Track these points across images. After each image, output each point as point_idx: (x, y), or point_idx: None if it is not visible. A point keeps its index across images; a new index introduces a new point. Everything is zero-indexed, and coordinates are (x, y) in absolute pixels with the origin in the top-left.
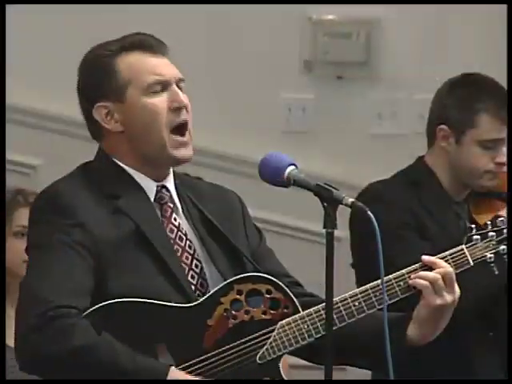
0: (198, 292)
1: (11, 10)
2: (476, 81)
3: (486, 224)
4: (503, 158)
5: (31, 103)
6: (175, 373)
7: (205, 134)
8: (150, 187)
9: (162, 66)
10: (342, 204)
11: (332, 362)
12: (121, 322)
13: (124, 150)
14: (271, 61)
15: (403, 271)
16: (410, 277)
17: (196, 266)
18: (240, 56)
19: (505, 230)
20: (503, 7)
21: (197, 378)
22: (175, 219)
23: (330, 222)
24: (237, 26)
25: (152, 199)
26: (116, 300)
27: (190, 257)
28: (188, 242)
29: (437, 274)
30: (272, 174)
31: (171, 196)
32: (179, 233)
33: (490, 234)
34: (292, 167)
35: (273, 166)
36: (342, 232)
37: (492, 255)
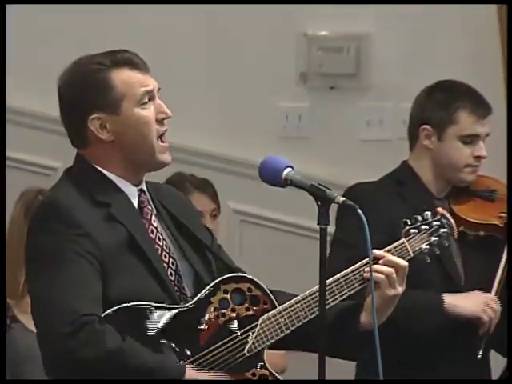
0: (176, 288)
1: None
2: (451, 85)
3: (415, 218)
4: (482, 152)
5: (52, 112)
6: (190, 371)
7: (210, 140)
8: (131, 192)
9: (147, 79)
10: (334, 202)
11: (323, 350)
12: (129, 325)
13: (110, 158)
14: (270, 72)
15: (357, 265)
16: (364, 270)
17: (172, 263)
18: (241, 68)
19: (434, 223)
20: (490, 21)
21: (207, 376)
22: (154, 221)
23: (323, 218)
24: (237, 39)
25: (136, 204)
26: (124, 305)
27: (167, 255)
28: (164, 241)
29: (391, 269)
30: (271, 176)
31: (148, 200)
32: (157, 234)
33: (423, 227)
34: (289, 169)
35: (271, 167)
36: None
37: (427, 246)
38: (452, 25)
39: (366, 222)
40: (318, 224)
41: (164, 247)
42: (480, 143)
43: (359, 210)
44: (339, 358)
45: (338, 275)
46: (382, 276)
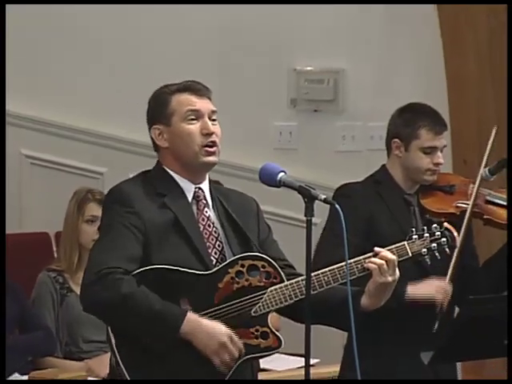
0: (217, 264)
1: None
2: (417, 107)
3: (422, 228)
4: (439, 160)
5: (100, 128)
6: (191, 315)
7: (221, 150)
8: (188, 188)
9: (198, 102)
10: (317, 199)
11: (309, 321)
12: (157, 282)
13: (170, 160)
14: (267, 98)
15: (361, 257)
16: (365, 261)
17: (218, 245)
18: (245, 94)
19: (436, 233)
20: (436, 59)
21: (206, 322)
22: (206, 212)
23: (308, 212)
24: (243, 72)
25: (190, 197)
26: (154, 266)
27: (214, 239)
28: (214, 228)
29: (382, 260)
30: (268, 178)
31: (205, 195)
32: (208, 221)
33: (425, 235)
34: (282, 173)
35: (268, 172)
36: (318, 219)
37: (426, 250)
38: (408, 63)
39: (342, 215)
40: (305, 216)
41: (213, 233)
42: (438, 153)
43: (337, 205)
44: (340, 328)
45: (343, 263)
46: (375, 266)
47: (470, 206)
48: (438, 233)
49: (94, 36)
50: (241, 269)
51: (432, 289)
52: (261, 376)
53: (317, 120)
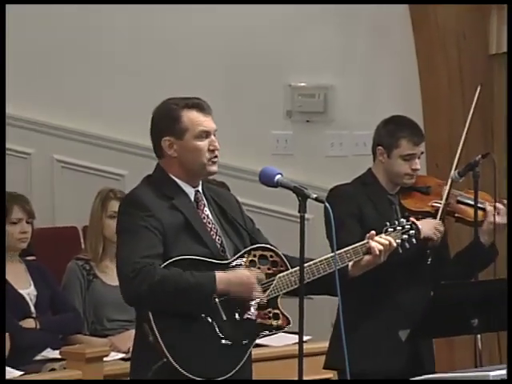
0: (221, 254)
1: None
2: (399, 120)
3: (394, 222)
4: (416, 166)
5: (117, 136)
6: (219, 275)
7: (226, 155)
8: (189, 191)
9: (207, 122)
10: (309, 198)
11: (303, 304)
12: (184, 270)
13: (175, 167)
14: (266, 110)
15: (364, 241)
16: (366, 244)
17: (218, 239)
18: (247, 107)
19: (406, 226)
20: (414, 74)
21: (231, 272)
22: (205, 210)
23: (302, 208)
24: (245, 88)
25: (192, 198)
26: (179, 257)
27: (214, 234)
28: (213, 224)
29: (387, 241)
30: (267, 179)
31: (202, 197)
32: (208, 219)
33: (398, 228)
34: (279, 175)
35: (267, 174)
36: (310, 215)
37: (399, 240)
38: (388, 80)
39: (331, 212)
40: (299, 212)
41: (213, 228)
42: (416, 160)
43: (326, 204)
44: (330, 294)
45: (349, 247)
46: (381, 247)
47: (442, 205)
48: (408, 226)
49: (109, 49)
50: (253, 258)
51: (428, 227)
52: (259, 351)
53: (309, 129)
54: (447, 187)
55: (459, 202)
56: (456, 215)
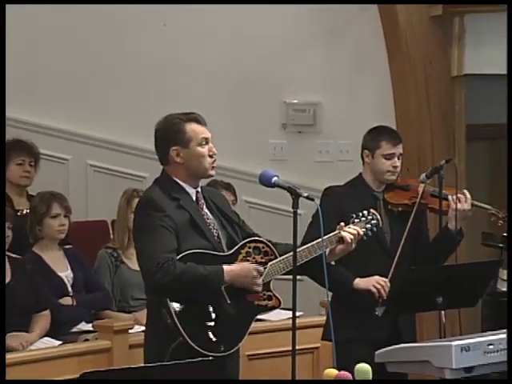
0: (219, 246)
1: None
2: (380, 127)
3: (357, 214)
4: (396, 164)
5: (143, 144)
6: (226, 267)
7: (230, 160)
8: (191, 192)
9: (205, 131)
10: (301, 196)
11: (295, 285)
12: (193, 262)
13: (180, 172)
14: (265, 123)
15: (335, 232)
16: (338, 235)
17: (215, 232)
18: (248, 119)
19: (369, 217)
20: (389, 93)
21: (235, 265)
22: (204, 208)
23: (295, 205)
24: (247, 103)
25: (194, 198)
26: (189, 251)
27: (212, 228)
28: (211, 220)
29: (355, 231)
30: (265, 181)
31: (201, 196)
32: (207, 215)
33: (362, 219)
34: (276, 177)
35: (265, 176)
36: (302, 211)
37: (363, 230)
38: (368, 98)
39: (320, 209)
40: (292, 208)
41: (211, 223)
42: (395, 159)
43: (316, 201)
44: (309, 275)
45: (325, 236)
46: (352, 236)
47: (417, 200)
48: (370, 216)
49: (134, 74)
50: (249, 250)
51: (368, 282)
52: (259, 324)
53: (301, 139)
54: (422, 186)
55: (432, 195)
56: (429, 206)
